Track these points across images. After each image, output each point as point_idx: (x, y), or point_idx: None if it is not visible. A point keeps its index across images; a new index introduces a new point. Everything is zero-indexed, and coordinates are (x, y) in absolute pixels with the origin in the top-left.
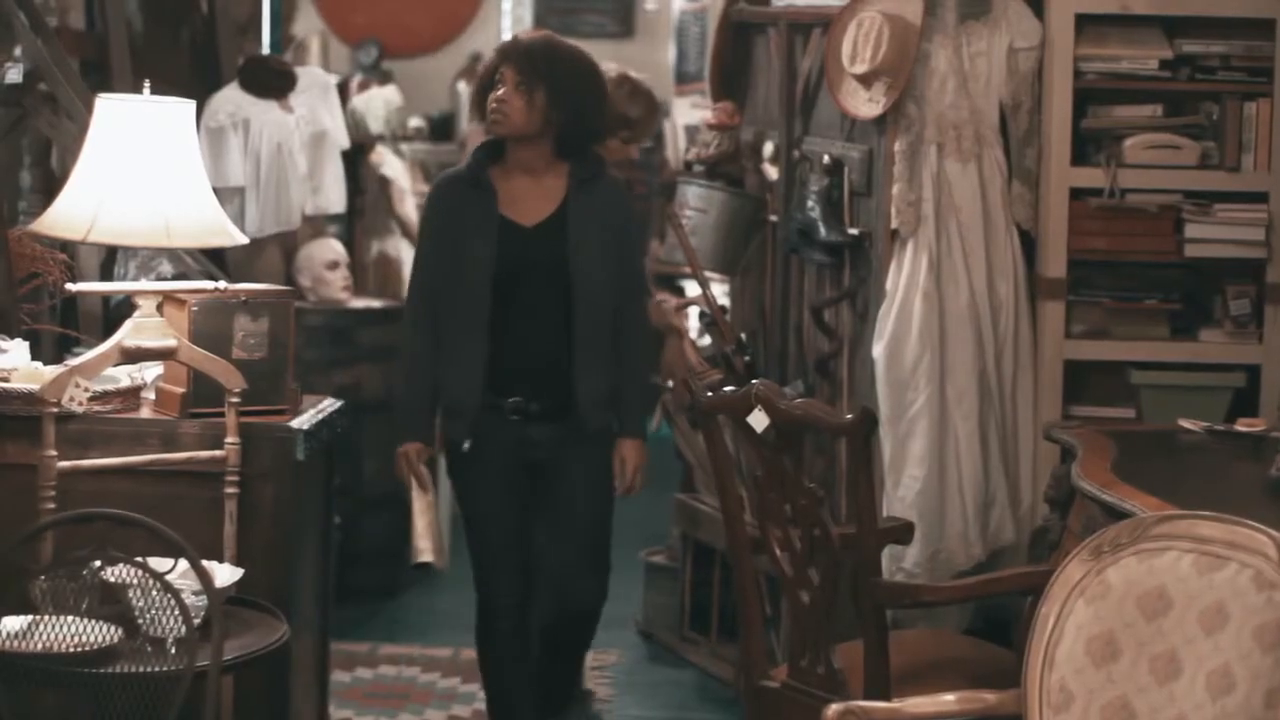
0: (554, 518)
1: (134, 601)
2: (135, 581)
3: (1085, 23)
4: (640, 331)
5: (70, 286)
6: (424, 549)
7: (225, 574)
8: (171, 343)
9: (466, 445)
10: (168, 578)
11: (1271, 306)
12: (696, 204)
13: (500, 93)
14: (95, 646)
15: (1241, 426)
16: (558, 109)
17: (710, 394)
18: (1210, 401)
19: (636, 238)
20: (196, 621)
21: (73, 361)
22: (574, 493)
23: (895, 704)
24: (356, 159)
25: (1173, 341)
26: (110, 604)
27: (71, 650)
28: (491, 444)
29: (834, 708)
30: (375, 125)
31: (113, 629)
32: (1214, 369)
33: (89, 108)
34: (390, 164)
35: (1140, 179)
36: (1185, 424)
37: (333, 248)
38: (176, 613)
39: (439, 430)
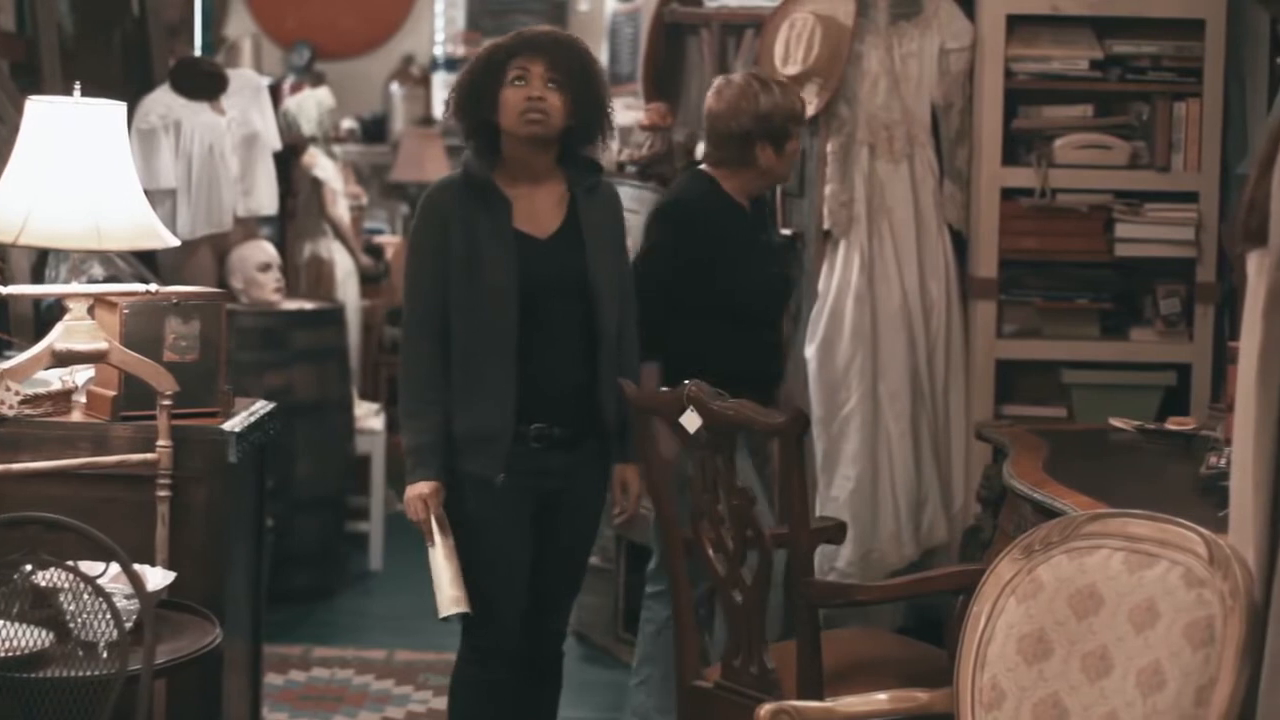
0: (549, 554)
1: (65, 605)
2: (66, 585)
3: (1016, 23)
4: (637, 347)
5: (1, 289)
6: (458, 598)
7: (157, 577)
8: (103, 345)
9: (500, 478)
10: (99, 581)
11: (1201, 306)
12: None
13: (534, 90)
14: (26, 651)
15: (1172, 425)
16: (580, 110)
17: (643, 395)
18: (1141, 400)
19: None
20: (128, 625)
21: (3, 365)
22: (573, 526)
23: (828, 703)
24: (288, 161)
25: (1103, 341)
26: (41, 608)
27: (2, 655)
28: (509, 476)
29: (767, 707)
30: (307, 127)
31: (44, 633)
32: (1145, 368)
33: (19, 110)
34: (322, 166)
35: (1071, 179)
36: (1116, 423)
37: (265, 249)
38: (108, 616)
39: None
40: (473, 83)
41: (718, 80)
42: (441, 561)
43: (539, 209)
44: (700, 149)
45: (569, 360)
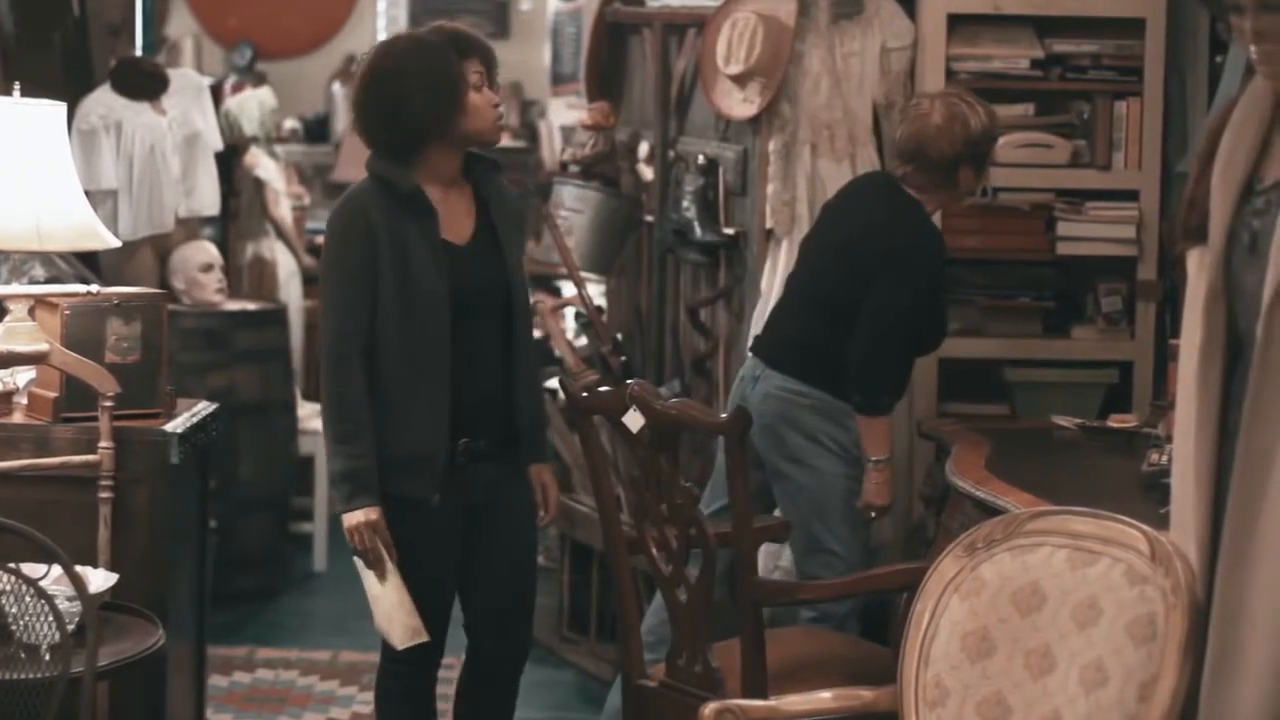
0: (489, 567)
1: (7, 608)
2: (8, 588)
3: (957, 22)
4: (532, 342)
5: None
6: (417, 628)
7: (100, 579)
8: (43, 347)
9: (436, 499)
10: (41, 584)
11: (1142, 303)
12: (572, 204)
13: (493, 94)
14: None
15: (1114, 423)
16: None
17: (586, 394)
18: (1083, 398)
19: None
20: (71, 627)
21: None
22: (513, 540)
23: (772, 702)
24: (230, 161)
25: (1045, 339)
26: None
27: None
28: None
29: (711, 706)
30: (249, 127)
31: None
32: (1086, 366)
33: None
34: (264, 166)
35: (1012, 178)
36: (1058, 420)
37: (207, 250)
38: (50, 619)
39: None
40: (447, 86)
41: (921, 102)
42: (394, 592)
43: (454, 215)
44: (644, 148)
45: (489, 369)
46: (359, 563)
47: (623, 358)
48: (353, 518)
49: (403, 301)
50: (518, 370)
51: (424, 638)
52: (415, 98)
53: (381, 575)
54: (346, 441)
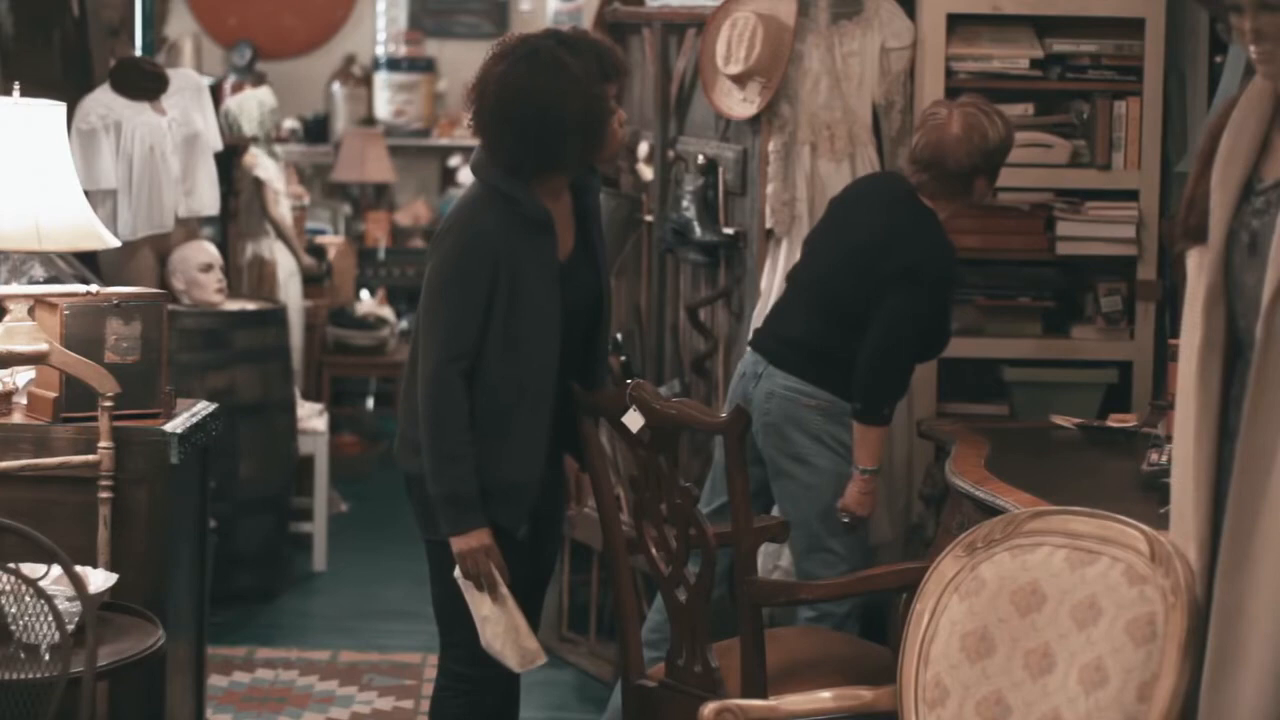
0: (538, 568)
1: (7, 608)
2: (8, 588)
3: (956, 22)
4: (607, 348)
5: None
6: (537, 651)
7: (99, 579)
8: (43, 347)
9: (523, 531)
10: (41, 584)
11: (1142, 303)
12: None
13: (622, 113)
14: None
15: (1113, 422)
16: None
17: (587, 394)
18: (1083, 398)
19: None
20: (71, 627)
21: None
22: (549, 542)
23: (772, 701)
24: (230, 161)
25: (1045, 339)
26: None
27: None
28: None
29: (710, 706)
30: (249, 127)
31: None
32: (1086, 365)
33: None
34: (264, 166)
35: (1012, 177)
36: (1058, 420)
37: (206, 250)
38: (50, 619)
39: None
40: (599, 130)
41: (938, 111)
42: (509, 615)
43: (561, 230)
44: (644, 148)
45: (571, 379)
46: (466, 585)
47: (623, 358)
48: (464, 542)
49: (513, 326)
50: (593, 380)
51: (542, 659)
52: (568, 139)
53: (495, 598)
54: (453, 462)
